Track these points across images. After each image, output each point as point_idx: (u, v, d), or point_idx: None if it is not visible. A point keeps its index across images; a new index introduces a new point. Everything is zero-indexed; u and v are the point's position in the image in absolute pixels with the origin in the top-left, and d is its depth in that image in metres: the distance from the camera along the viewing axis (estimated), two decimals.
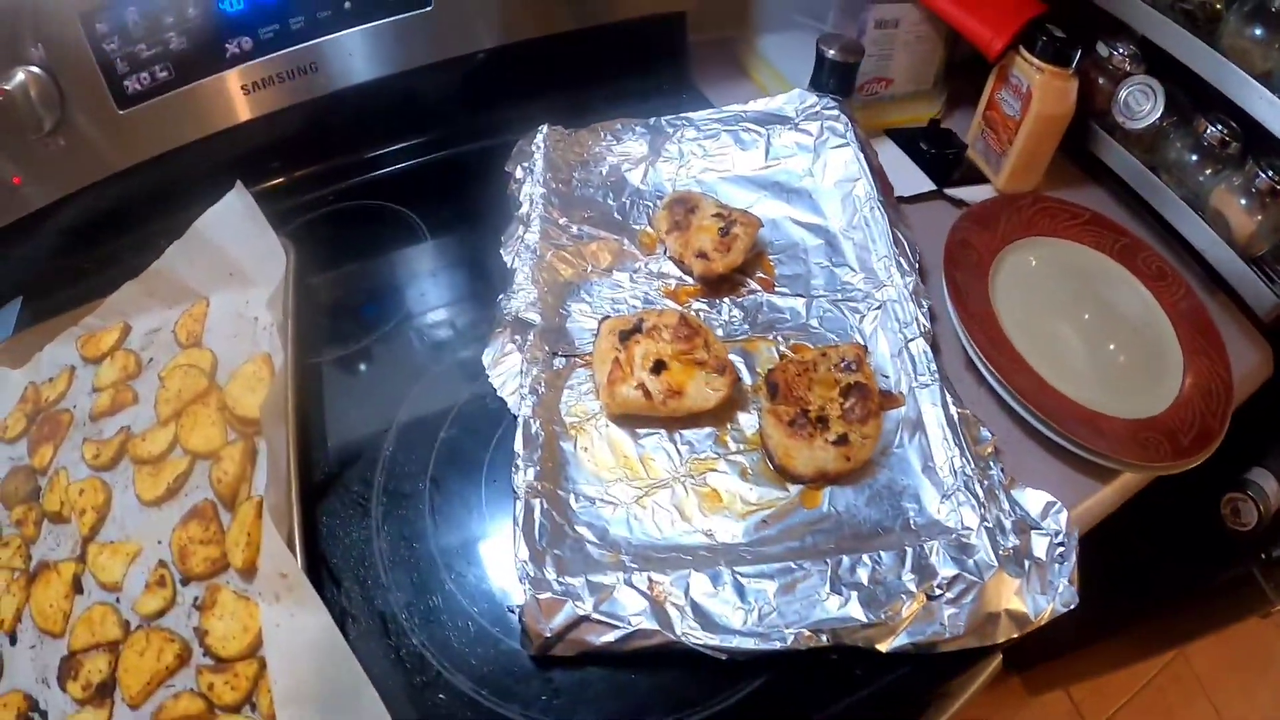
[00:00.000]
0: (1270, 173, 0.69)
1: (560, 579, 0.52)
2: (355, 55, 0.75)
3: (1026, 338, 0.68)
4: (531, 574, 0.52)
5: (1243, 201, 0.71)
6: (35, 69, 0.65)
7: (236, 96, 0.73)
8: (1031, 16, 0.75)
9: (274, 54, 0.72)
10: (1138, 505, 0.73)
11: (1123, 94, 0.77)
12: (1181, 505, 0.87)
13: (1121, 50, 0.78)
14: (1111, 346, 0.71)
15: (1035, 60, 0.75)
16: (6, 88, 0.64)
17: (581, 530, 0.56)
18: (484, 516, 0.59)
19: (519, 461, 0.56)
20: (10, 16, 0.64)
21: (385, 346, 0.70)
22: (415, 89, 0.80)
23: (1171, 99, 0.76)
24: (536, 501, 0.55)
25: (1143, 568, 0.98)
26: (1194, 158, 0.75)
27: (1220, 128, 0.72)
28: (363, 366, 0.69)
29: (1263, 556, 0.83)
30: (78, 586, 0.59)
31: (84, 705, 0.54)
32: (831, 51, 0.76)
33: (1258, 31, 0.67)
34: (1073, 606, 0.54)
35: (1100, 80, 0.79)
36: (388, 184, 0.83)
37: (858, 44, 0.77)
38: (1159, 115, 0.75)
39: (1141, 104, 0.76)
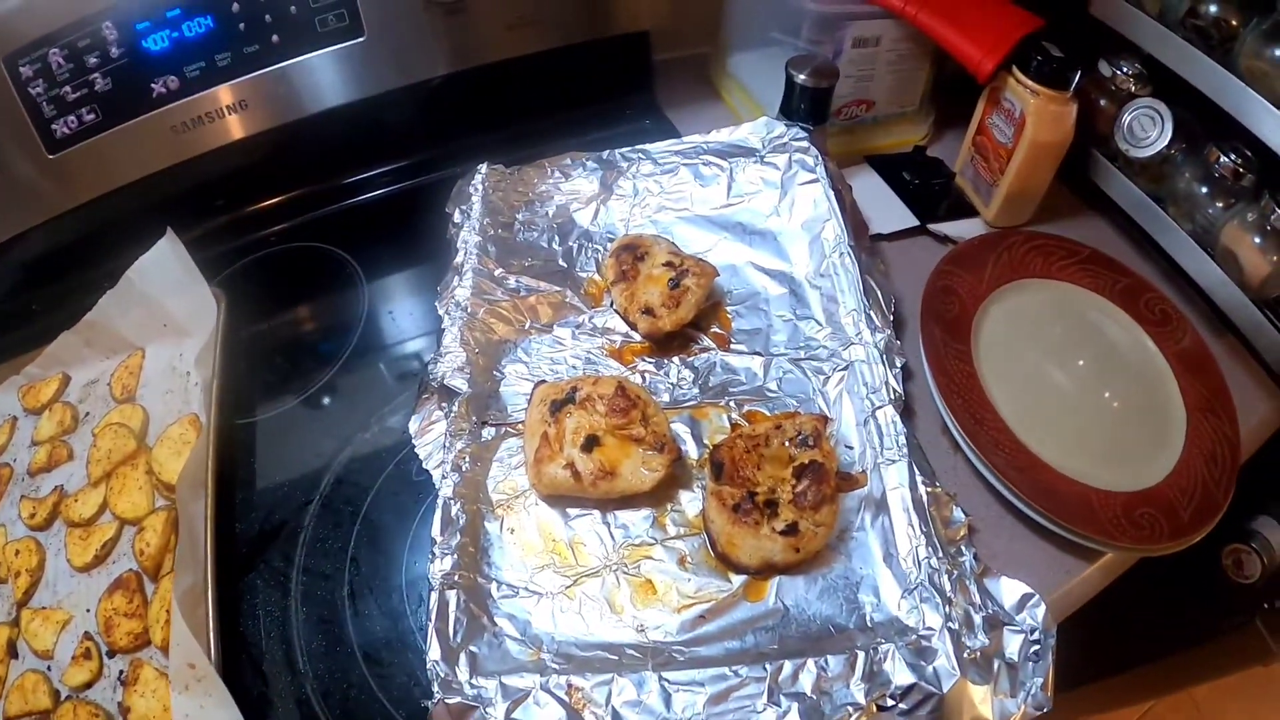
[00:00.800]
0: None
1: (472, 680, 0.47)
2: (289, 90, 0.70)
3: (1013, 398, 0.61)
4: (442, 675, 0.47)
5: (1257, 240, 0.63)
6: None
7: (168, 136, 0.69)
8: (1026, 34, 0.67)
9: (203, 92, 0.68)
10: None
11: (1126, 118, 0.68)
12: (1181, 556, 0.81)
13: (1126, 69, 0.69)
14: (1110, 403, 0.63)
15: (1030, 82, 0.67)
16: None
17: (501, 623, 0.51)
18: (404, 601, 0.54)
19: (435, 549, 0.51)
20: None
21: (315, 406, 0.66)
22: (356, 123, 0.75)
23: (1180, 124, 0.67)
24: (452, 594, 0.50)
25: (1140, 614, 0.92)
26: (1204, 190, 0.67)
27: (1234, 157, 0.64)
28: (291, 428, 0.65)
29: (1265, 607, 0.76)
30: (12, 651, 0.57)
31: None
32: (802, 76, 0.67)
33: (1278, 53, 0.59)
34: (1045, 710, 0.48)
35: (1102, 102, 0.71)
36: (327, 224, 0.78)
37: (831, 66, 0.68)
38: (1166, 142, 0.67)
39: (1147, 130, 0.67)
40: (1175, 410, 0.63)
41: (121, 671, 0.54)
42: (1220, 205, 0.66)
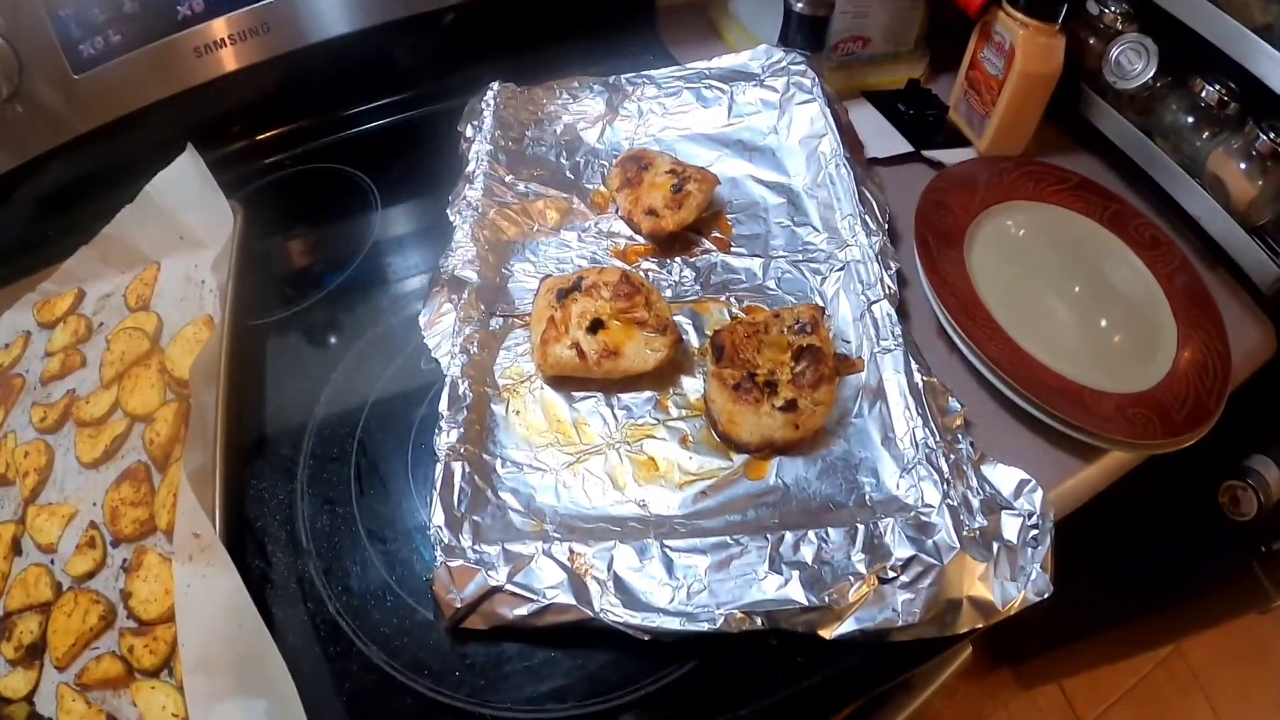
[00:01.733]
0: (1272, 134, 0.62)
1: (475, 547, 0.47)
2: (308, 15, 0.71)
3: (1005, 305, 0.61)
4: (445, 540, 0.47)
5: (1242, 165, 0.64)
6: None
7: (191, 58, 0.70)
8: None
9: (226, 14, 0.69)
10: (1132, 492, 0.66)
11: (1114, 53, 0.69)
12: (1178, 493, 0.80)
13: (1113, 8, 0.71)
14: (1100, 317, 0.64)
15: (1019, 15, 0.68)
16: None
17: (505, 497, 0.51)
18: (409, 483, 0.54)
19: (442, 423, 0.52)
20: None
21: (329, 309, 0.66)
22: (373, 50, 0.76)
23: (1166, 58, 0.68)
24: (458, 465, 0.50)
25: (1137, 559, 0.90)
26: (1190, 120, 0.67)
27: (1217, 87, 0.65)
28: (305, 328, 0.66)
29: (1262, 550, 0.76)
30: (16, 548, 0.57)
31: (15, 666, 0.52)
32: (799, 4, 0.70)
33: None
34: (1046, 595, 0.47)
35: (1091, 40, 0.72)
36: (344, 147, 0.80)
37: None
38: (1152, 74, 0.68)
39: (1134, 63, 0.68)
40: (1166, 325, 0.63)
41: (125, 559, 0.54)
42: (1206, 134, 0.67)
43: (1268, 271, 0.65)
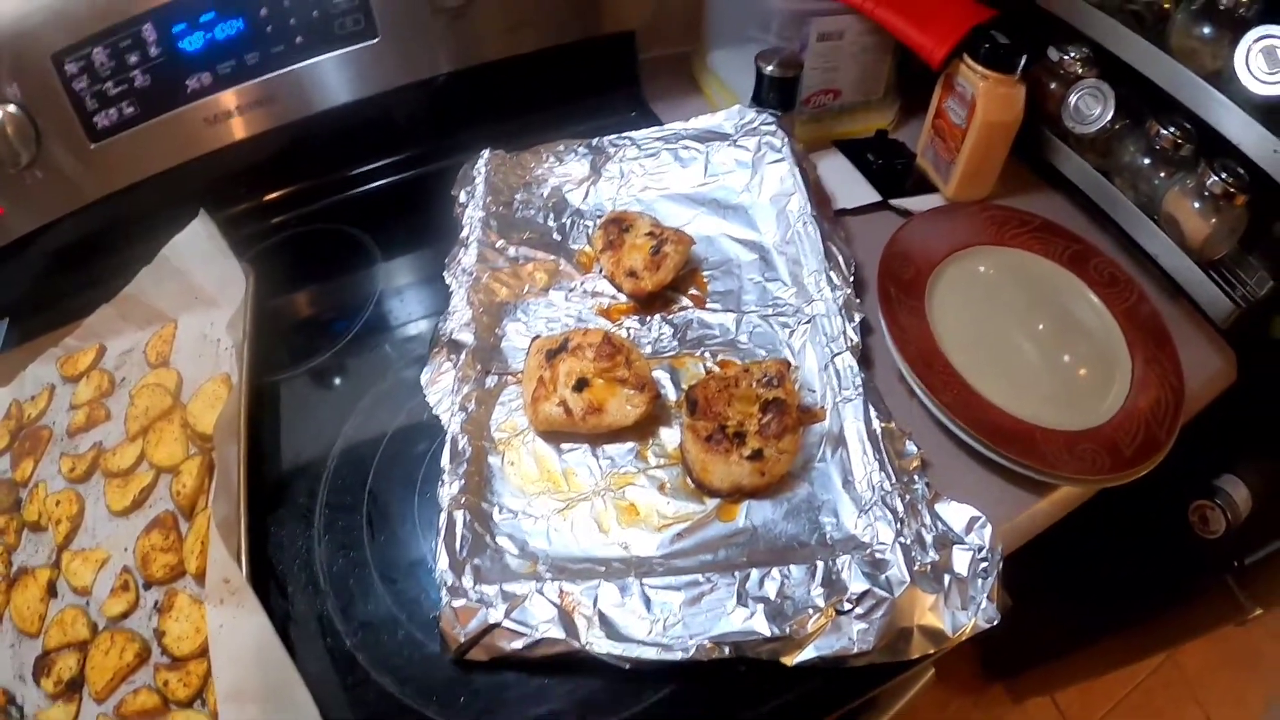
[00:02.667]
0: (1224, 175, 0.69)
1: (476, 587, 0.57)
2: (310, 86, 0.82)
3: (964, 349, 0.71)
4: (449, 582, 0.57)
5: (1196, 205, 0.72)
6: (12, 107, 0.73)
7: (200, 128, 0.80)
8: (976, 23, 0.78)
9: (233, 88, 0.79)
10: (1108, 512, 0.75)
11: (1072, 99, 0.79)
12: (1150, 512, 0.89)
13: (1073, 54, 0.80)
14: (1059, 356, 0.73)
15: (979, 67, 0.77)
16: None
17: (502, 541, 0.61)
18: (415, 528, 0.64)
19: (444, 476, 0.62)
20: None
21: (337, 365, 0.77)
22: (372, 116, 0.87)
23: (1124, 102, 0.77)
24: (459, 513, 0.60)
25: (1117, 573, 1.00)
26: (1147, 161, 0.76)
27: (1173, 129, 0.73)
28: (316, 384, 0.76)
29: (1235, 564, 0.84)
30: (52, 590, 0.66)
31: (55, 700, 0.61)
32: (769, 67, 0.80)
33: (1206, 30, 0.68)
34: (995, 622, 0.56)
35: (1052, 85, 0.81)
36: (347, 208, 0.91)
37: (796, 58, 0.80)
38: (1109, 119, 0.77)
39: (1091, 108, 0.78)
40: (1120, 361, 0.72)
41: (157, 601, 0.63)
42: (1162, 175, 0.75)
43: (1222, 306, 0.73)
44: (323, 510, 0.66)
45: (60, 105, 0.76)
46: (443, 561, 0.58)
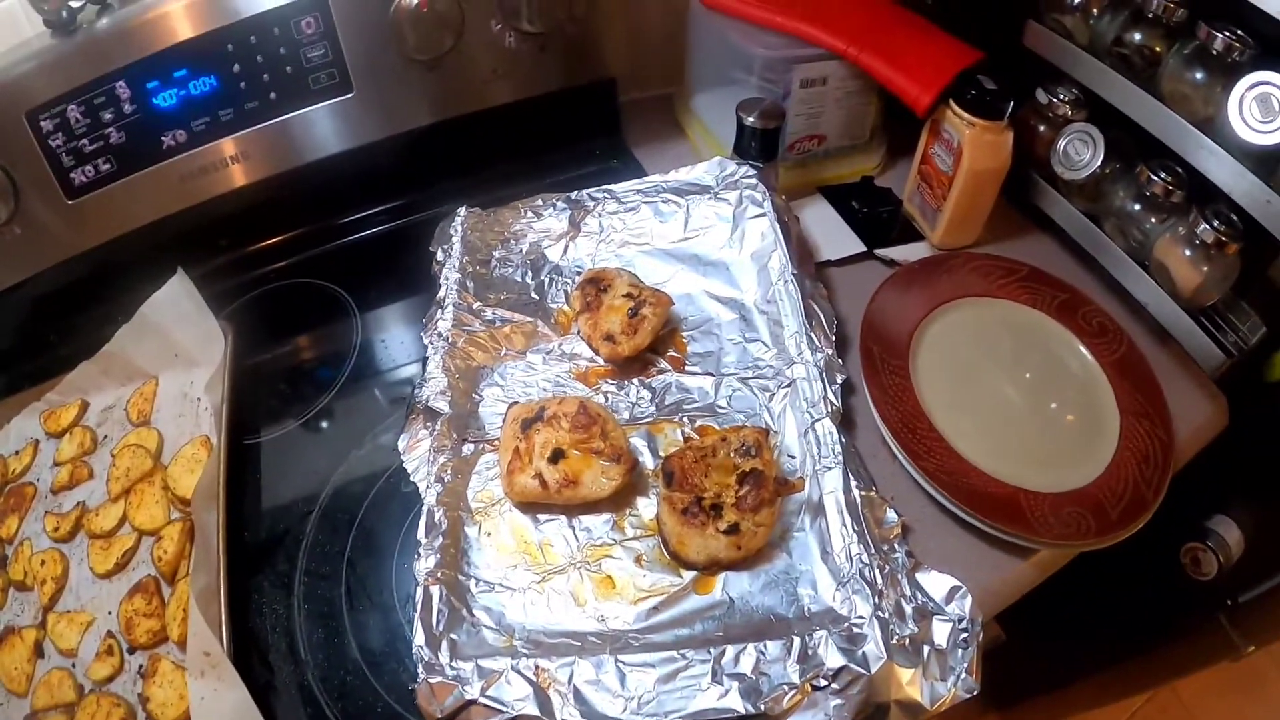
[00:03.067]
0: (1215, 222, 0.70)
1: (452, 663, 0.58)
2: (286, 141, 0.84)
3: (949, 410, 0.72)
4: (425, 658, 0.59)
5: (1187, 253, 0.73)
6: None
7: (176, 184, 0.83)
8: (962, 68, 0.79)
9: (208, 144, 0.81)
10: (1099, 555, 0.77)
11: (1061, 144, 0.79)
12: (1142, 553, 0.91)
13: (1062, 95, 0.80)
14: (1043, 411, 0.74)
15: (965, 114, 0.78)
16: None
17: (479, 614, 0.63)
18: (394, 598, 0.67)
19: (420, 549, 0.64)
20: None
21: (315, 426, 0.79)
22: (348, 169, 0.89)
23: (1115, 146, 0.77)
24: (436, 588, 0.62)
25: (1111, 609, 1.01)
26: (1137, 207, 0.77)
27: (1164, 175, 0.73)
28: (293, 447, 0.78)
29: (1228, 603, 0.86)
30: (39, 651, 0.69)
31: None
32: (751, 119, 0.81)
33: (1198, 75, 0.68)
34: (974, 694, 0.57)
35: (1041, 128, 0.82)
36: (325, 261, 0.93)
37: (778, 108, 0.81)
38: (1098, 164, 0.77)
39: (1081, 153, 0.78)
40: (1109, 415, 0.73)
41: (141, 665, 0.66)
42: (1153, 221, 0.76)
43: (1212, 355, 0.74)
44: (302, 578, 0.69)
45: (36, 162, 0.78)
46: (419, 637, 0.60)
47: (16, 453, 0.82)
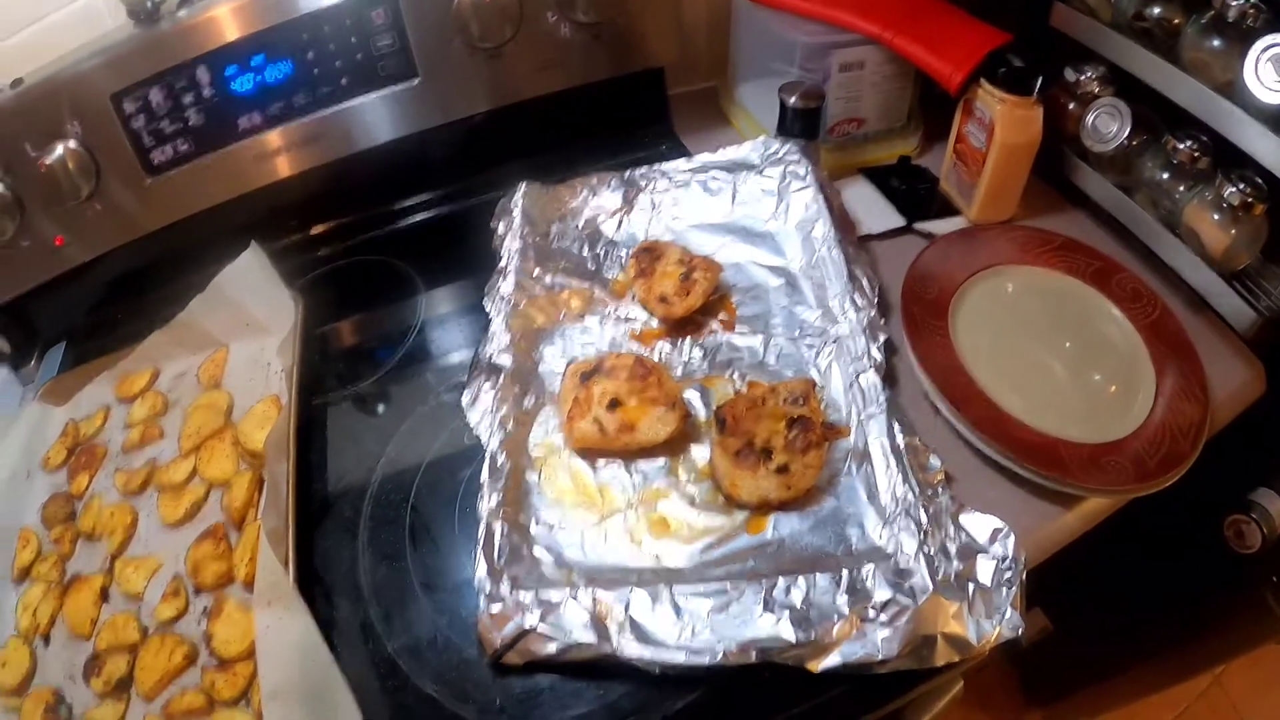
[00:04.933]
0: (1241, 185, 0.75)
1: (513, 594, 0.64)
2: (356, 125, 0.94)
3: (987, 366, 0.78)
4: (487, 589, 0.65)
5: (1215, 216, 0.78)
6: (73, 144, 0.85)
7: (251, 164, 0.92)
8: (992, 48, 0.86)
9: (283, 126, 0.91)
10: (1142, 530, 0.79)
11: (1089, 118, 0.86)
12: (1184, 528, 0.94)
13: (1089, 73, 0.87)
14: (1082, 371, 0.79)
15: (996, 91, 0.84)
16: (48, 161, 0.84)
17: (539, 552, 0.69)
18: (456, 539, 0.73)
19: (483, 490, 0.70)
20: (49, 98, 0.84)
21: (381, 389, 0.87)
22: (413, 152, 0.98)
23: (1142, 118, 0.83)
24: (498, 525, 0.68)
25: (1153, 593, 1.04)
26: (1165, 175, 0.82)
27: (1189, 143, 0.79)
28: (361, 406, 0.86)
29: (1274, 579, 0.89)
30: (105, 596, 0.75)
31: (104, 699, 0.69)
32: (792, 100, 0.89)
33: (1215, 42, 0.74)
34: (1019, 631, 0.60)
35: (1070, 105, 0.89)
36: (391, 240, 1.02)
37: (818, 90, 0.90)
38: (1126, 136, 0.83)
39: (1108, 126, 0.85)
40: (1145, 374, 0.77)
41: (206, 606, 0.71)
42: (1181, 188, 0.81)
43: (1246, 316, 0.79)
44: (367, 523, 0.75)
45: (118, 142, 0.87)
46: (481, 569, 0.66)
47: (88, 417, 0.90)
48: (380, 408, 0.86)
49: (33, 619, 0.75)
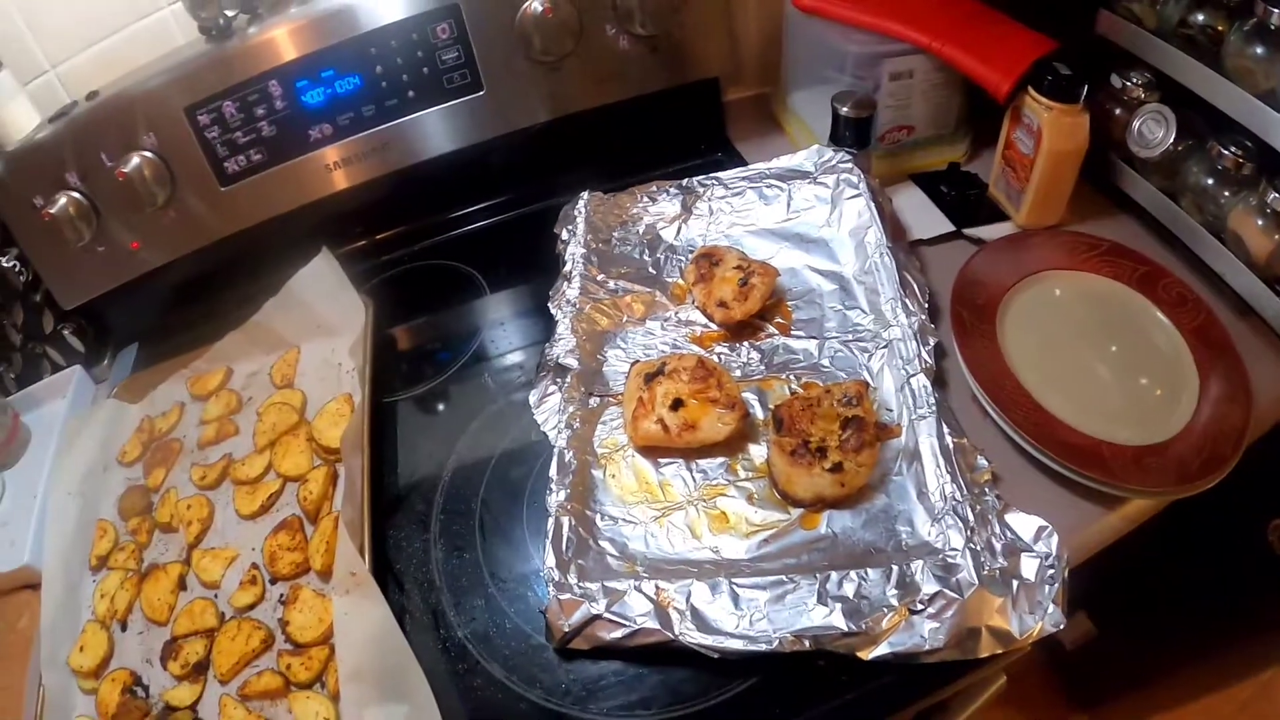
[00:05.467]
0: None
1: (580, 583, 0.69)
2: (422, 135, 0.99)
3: (1034, 369, 0.80)
4: (556, 579, 0.69)
5: (1260, 222, 0.79)
6: (149, 154, 0.92)
7: (321, 173, 0.98)
8: (1039, 56, 0.88)
9: (351, 137, 0.97)
10: (1187, 535, 0.80)
11: (1135, 124, 0.88)
12: (1229, 534, 0.96)
13: (1135, 80, 0.89)
14: (1128, 374, 0.81)
15: (1043, 99, 0.87)
16: (125, 170, 0.91)
17: (604, 544, 0.73)
18: (524, 532, 0.78)
19: (552, 485, 0.75)
20: (126, 110, 0.90)
21: (449, 388, 0.93)
22: (477, 161, 1.04)
23: (1187, 124, 0.85)
24: (565, 518, 0.73)
25: (1198, 597, 1.06)
26: (1210, 181, 0.84)
27: (1234, 149, 0.81)
28: (430, 405, 0.92)
29: None
30: (182, 584, 0.81)
31: (182, 681, 0.74)
32: (845, 109, 0.93)
33: (1259, 50, 0.76)
34: (1060, 626, 0.63)
35: (1117, 111, 0.91)
36: (455, 245, 1.09)
37: (869, 99, 0.93)
38: (1171, 142, 0.85)
39: (1154, 132, 0.87)
40: (1189, 379, 0.79)
41: (282, 594, 0.77)
42: (1227, 194, 0.83)
43: None
44: (438, 516, 0.80)
45: (193, 152, 0.94)
46: (549, 560, 0.70)
47: (163, 414, 0.96)
48: (449, 406, 0.91)
49: (110, 605, 0.81)
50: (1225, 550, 0.99)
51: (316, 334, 0.96)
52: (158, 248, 0.99)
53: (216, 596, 0.79)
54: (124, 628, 0.80)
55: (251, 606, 0.77)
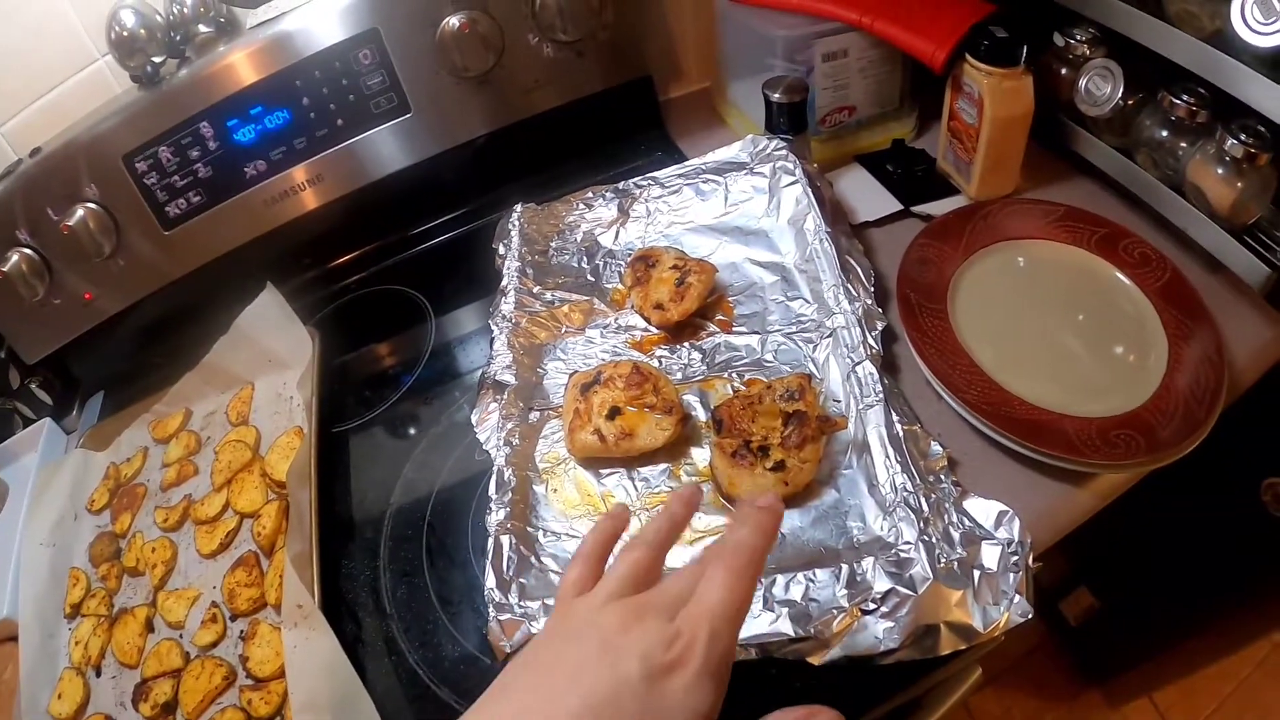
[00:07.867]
0: (1242, 136, 0.74)
1: (521, 603, 0.68)
2: (357, 162, 1.01)
3: (990, 346, 0.79)
4: (497, 599, 0.69)
5: (1219, 171, 0.78)
6: (92, 205, 0.94)
7: (261, 209, 1.00)
8: (975, 22, 0.87)
9: (286, 170, 0.98)
10: (1179, 499, 0.78)
11: (1082, 82, 0.87)
12: (1222, 496, 0.94)
13: (1078, 36, 0.87)
14: (1091, 342, 0.80)
15: (981, 65, 0.85)
16: (70, 223, 0.93)
17: (546, 561, 0.73)
18: (470, 553, 0.78)
19: (491, 504, 0.75)
20: (67, 164, 0.93)
21: (396, 414, 0.94)
22: (416, 182, 1.05)
23: (1136, 77, 0.84)
24: (505, 537, 0.73)
25: (1200, 565, 1.04)
26: (1165, 133, 0.82)
27: (1186, 98, 0.79)
28: (378, 432, 0.93)
29: None
30: (150, 627, 0.83)
31: None
32: (776, 95, 0.92)
33: None
34: (1027, 617, 0.61)
35: (1063, 71, 0.89)
36: (401, 269, 1.10)
37: (801, 83, 0.92)
38: (1120, 97, 0.84)
39: (1101, 88, 0.85)
40: (1156, 341, 0.78)
41: (242, 630, 0.78)
42: (1183, 145, 0.81)
43: (1260, 273, 0.78)
44: (386, 543, 0.81)
45: (134, 200, 0.96)
46: (490, 580, 0.70)
47: (128, 459, 0.99)
48: (396, 432, 0.92)
49: (84, 652, 0.83)
50: (1221, 513, 0.97)
51: (268, 369, 0.98)
52: (110, 297, 1.01)
53: (181, 636, 0.81)
54: (98, 673, 0.82)
55: (214, 644, 0.79)
